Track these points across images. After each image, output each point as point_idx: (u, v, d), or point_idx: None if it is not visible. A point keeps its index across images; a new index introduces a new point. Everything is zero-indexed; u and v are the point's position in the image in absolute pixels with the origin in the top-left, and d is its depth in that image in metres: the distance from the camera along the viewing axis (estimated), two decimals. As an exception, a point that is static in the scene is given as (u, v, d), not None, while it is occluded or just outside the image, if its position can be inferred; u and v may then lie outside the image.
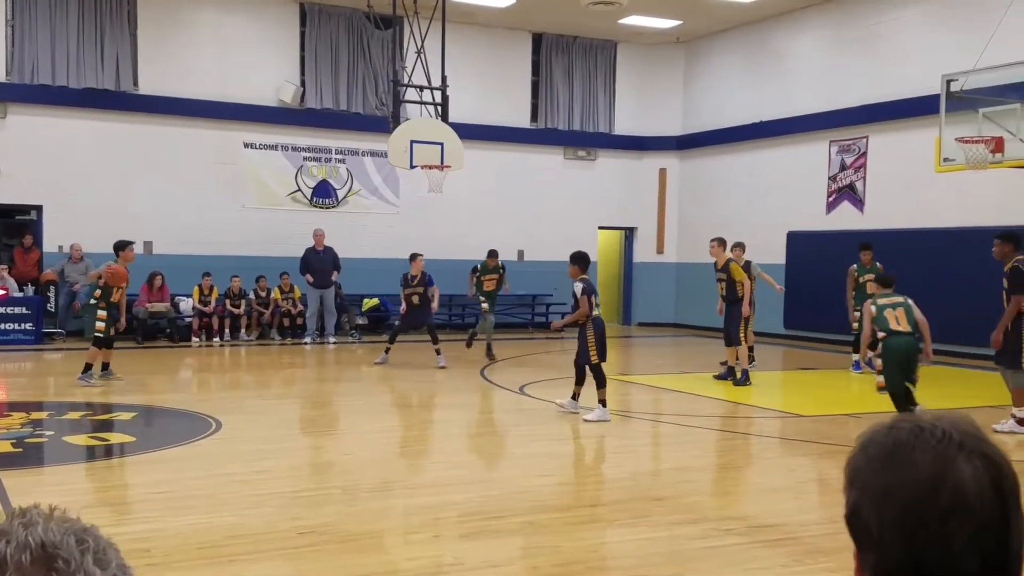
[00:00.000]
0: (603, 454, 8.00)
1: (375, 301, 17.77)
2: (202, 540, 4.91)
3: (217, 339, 15.97)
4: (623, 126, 20.32)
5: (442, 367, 12.67)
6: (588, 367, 8.94)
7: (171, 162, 16.57)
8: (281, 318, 16.69)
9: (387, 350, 13.40)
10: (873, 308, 8.42)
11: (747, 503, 6.30)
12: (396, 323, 13.91)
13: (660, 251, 20.77)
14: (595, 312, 9.01)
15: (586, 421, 8.72)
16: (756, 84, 18.46)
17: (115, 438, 7.88)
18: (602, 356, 8.93)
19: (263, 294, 16.57)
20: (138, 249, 16.16)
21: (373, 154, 17.90)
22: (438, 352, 12.95)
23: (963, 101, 11.94)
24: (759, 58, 18.45)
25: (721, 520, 5.57)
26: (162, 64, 16.56)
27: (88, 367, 10.63)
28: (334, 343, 16.25)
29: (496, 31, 18.98)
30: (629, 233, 21.01)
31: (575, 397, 9.11)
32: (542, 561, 4.71)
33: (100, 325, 10.74)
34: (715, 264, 12.38)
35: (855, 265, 12.90)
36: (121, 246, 11.11)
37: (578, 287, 9.02)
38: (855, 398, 10.73)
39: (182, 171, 16.65)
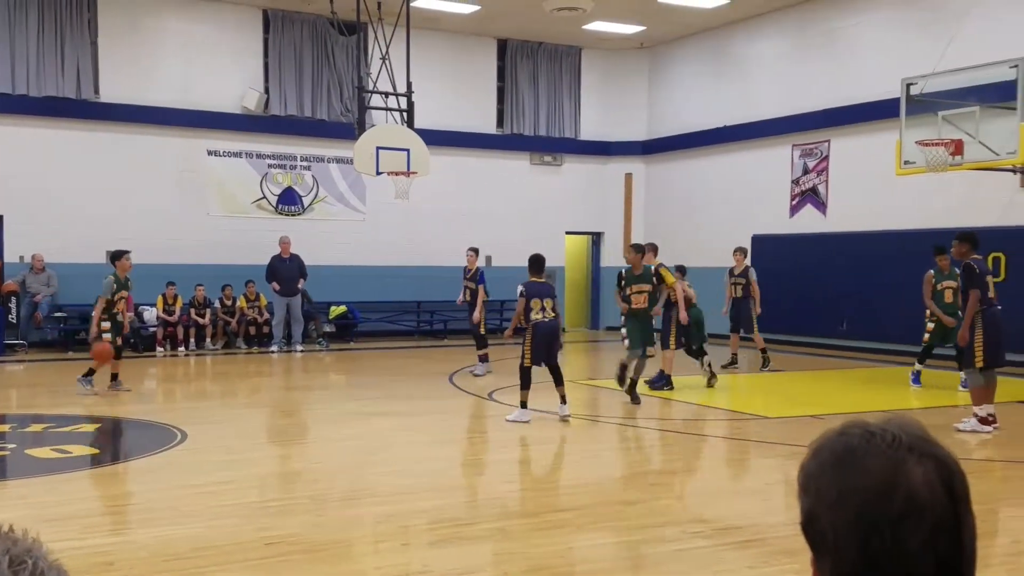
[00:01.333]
0: (571, 459, 8.00)
1: (343, 308, 17.68)
2: (167, 552, 4.85)
3: (182, 349, 15.79)
4: (589, 131, 20.42)
5: (478, 375, 12.59)
6: (519, 367, 9.03)
7: (133, 170, 16.37)
8: (247, 327, 16.55)
9: (480, 358, 12.89)
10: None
11: (715, 505, 6.33)
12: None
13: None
14: (538, 316, 8.96)
15: (507, 420, 8.87)
16: (719, 89, 18.63)
17: (78, 450, 7.76)
18: (535, 360, 8.96)
19: (228, 303, 16.42)
20: (99, 259, 16.03)
21: (339, 161, 17.82)
22: (481, 359, 12.80)
23: (923, 104, 12.15)
24: (722, 63, 18.63)
25: (689, 523, 5.60)
26: (124, 72, 16.37)
27: (91, 372, 10.56)
28: (301, 351, 16.13)
29: (461, 37, 18.99)
30: (596, 238, 21.09)
31: (563, 400, 9.08)
32: (511, 568, 4.70)
33: (106, 336, 10.59)
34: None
35: (932, 271, 11.39)
36: (117, 255, 10.85)
37: (519, 289, 9.12)
38: (820, 400, 10.84)
39: (145, 179, 16.46)
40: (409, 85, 14.56)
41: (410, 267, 18.44)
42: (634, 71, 20.57)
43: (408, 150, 14.05)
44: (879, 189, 14.98)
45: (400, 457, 7.51)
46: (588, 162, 20.47)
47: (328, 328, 17.41)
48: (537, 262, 9.30)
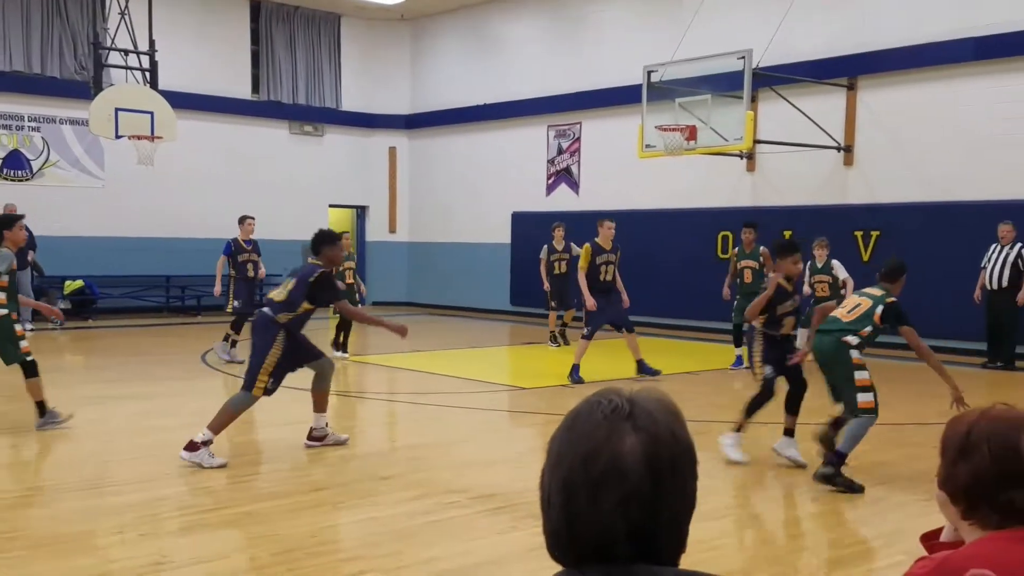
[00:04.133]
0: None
1: (79, 283, 16.36)
2: None
3: None
4: (351, 103, 20.08)
5: (227, 360, 11.27)
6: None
7: None
8: (-35, 304, 14.89)
9: (233, 342, 11.33)
10: None
11: (470, 476, 6.48)
12: (236, 306, 11.48)
13: (392, 230, 20.83)
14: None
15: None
16: (479, 66, 18.93)
17: None
18: None
19: (-58, 277, 14.68)
20: None
21: (73, 122, 16.39)
22: (227, 340, 11.34)
23: (662, 91, 12.95)
24: (481, 41, 18.93)
25: (445, 494, 5.69)
26: None
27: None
28: (31, 330, 14.72)
29: (212, -4, 18.02)
30: (361, 212, 20.85)
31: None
32: (259, 551, 4.57)
33: (24, 345, 7.36)
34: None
35: (737, 248, 11.38)
36: (6, 224, 7.36)
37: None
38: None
39: None
40: (152, 43, 13.60)
41: (157, 238, 17.36)
42: (396, 43, 20.44)
43: (152, 113, 13.15)
44: (625, 170, 15.86)
45: (143, 443, 7.07)
46: (351, 134, 20.14)
47: (63, 304, 16.05)
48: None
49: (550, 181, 17.82)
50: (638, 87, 13.32)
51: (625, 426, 1.15)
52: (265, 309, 6.58)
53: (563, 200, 17.48)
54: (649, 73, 13.02)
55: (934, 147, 12.54)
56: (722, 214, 14.56)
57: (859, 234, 13.07)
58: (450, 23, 19.51)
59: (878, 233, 12.85)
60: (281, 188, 18.89)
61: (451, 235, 19.70)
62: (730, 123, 12.19)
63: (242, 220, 12.10)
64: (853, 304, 6.09)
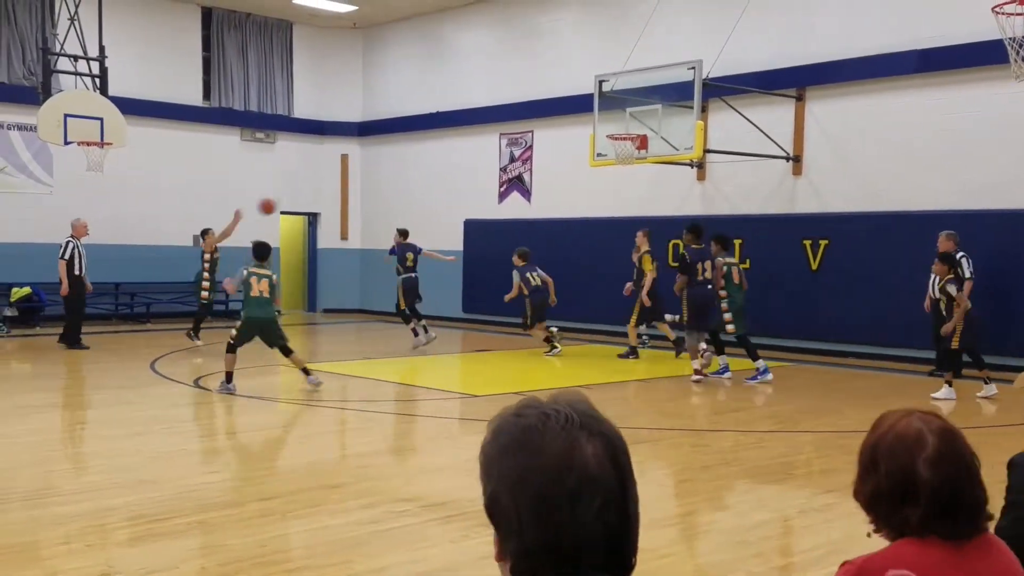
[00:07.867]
0: (281, 445, 7.87)
1: (26, 290, 16.06)
2: None
3: None
4: (303, 110, 19.98)
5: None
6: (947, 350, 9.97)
7: None
8: (-94, 312, 14.55)
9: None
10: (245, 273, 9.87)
11: (421, 484, 6.51)
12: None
13: (344, 237, 20.74)
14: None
15: (933, 398, 9.64)
16: (432, 75, 18.95)
17: None
18: (963, 344, 9.78)
19: None
20: None
21: (21, 128, 16.11)
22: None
23: (613, 100, 13.09)
24: (433, 50, 18.96)
25: (395, 503, 5.71)
26: None
27: None
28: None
29: (161, 2, 17.81)
30: (312, 219, 20.74)
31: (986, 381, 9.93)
32: (209, 562, 4.55)
33: None
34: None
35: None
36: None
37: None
38: (525, 377, 11.46)
39: None
40: (102, 49, 13.44)
41: (107, 245, 17.07)
42: (348, 50, 20.39)
43: (101, 119, 13.00)
44: (577, 179, 15.96)
45: (89, 452, 6.99)
46: (303, 141, 20.04)
47: (9, 312, 15.75)
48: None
49: (502, 189, 17.90)
50: (589, 96, 13.45)
51: (582, 435, 1.19)
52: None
53: (515, 208, 17.56)
54: (600, 83, 13.15)
55: (880, 158, 12.83)
56: (672, 222, 14.72)
57: (808, 243, 13.32)
58: (402, 31, 19.51)
59: (826, 242, 13.11)
60: (232, 195, 18.64)
61: (404, 242, 19.65)
62: (680, 133, 12.35)
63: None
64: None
